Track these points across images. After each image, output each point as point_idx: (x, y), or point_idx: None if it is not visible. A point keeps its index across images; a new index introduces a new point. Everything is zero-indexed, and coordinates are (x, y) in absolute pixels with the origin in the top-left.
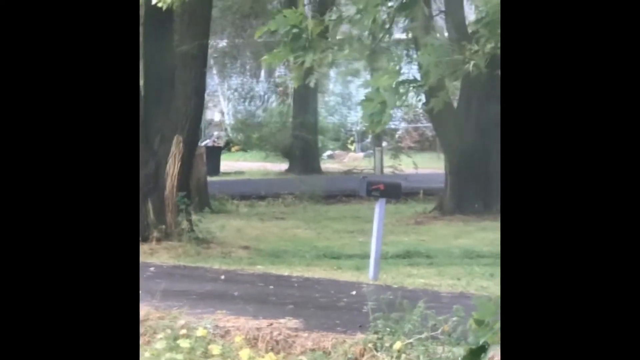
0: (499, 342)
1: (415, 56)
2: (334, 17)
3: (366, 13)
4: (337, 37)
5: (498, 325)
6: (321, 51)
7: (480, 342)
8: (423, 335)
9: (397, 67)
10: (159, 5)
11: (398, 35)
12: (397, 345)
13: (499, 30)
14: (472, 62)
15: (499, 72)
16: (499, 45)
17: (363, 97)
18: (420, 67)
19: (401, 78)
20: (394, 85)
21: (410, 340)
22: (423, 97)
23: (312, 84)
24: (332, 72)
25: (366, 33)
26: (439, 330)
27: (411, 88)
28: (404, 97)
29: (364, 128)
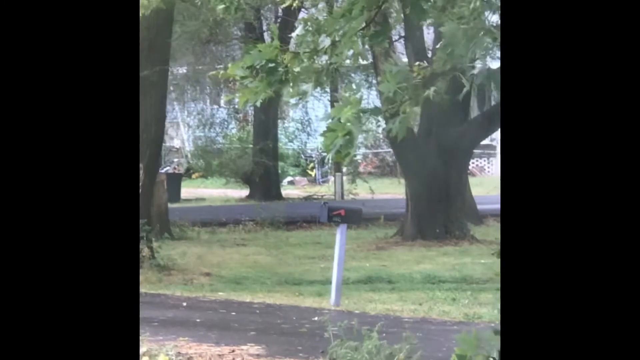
0: None
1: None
2: (308, 49)
3: (345, 44)
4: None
5: (480, 359)
6: (297, 83)
7: None
8: None
9: (359, 96)
10: None
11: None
12: None
13: (457, 53)
14: (432, 88)
15: (459, 97)
16: (457, 67)
17: (325, 129)
18: (380, 94)
19: (362, 106)
20: (356, 115)
21: None
22: (383, 123)
23: (257, 104)
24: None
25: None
26: (395, 359)
27: (372, 117)
28: (365, 125)
29: (323, 152)
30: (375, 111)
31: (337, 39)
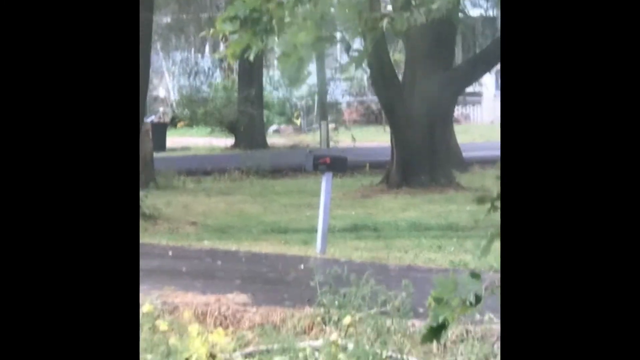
0: (457, 319)
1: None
2: None
3: None
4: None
5: (456, 302)
6: (282, 33)
7: (440, 320)
8: (372, 311)
9: (315, 25)
10: None
11: None
12: (347, 319)
13: None
14: (385, 19)
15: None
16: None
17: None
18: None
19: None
20: (311, 42)
21: (360, 315)
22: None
23: (251, 58)
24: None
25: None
26: (389, 306)
27: (327, 45)
28: (320, 52)
29: (309, 101)
30: (331, 39)
31: None
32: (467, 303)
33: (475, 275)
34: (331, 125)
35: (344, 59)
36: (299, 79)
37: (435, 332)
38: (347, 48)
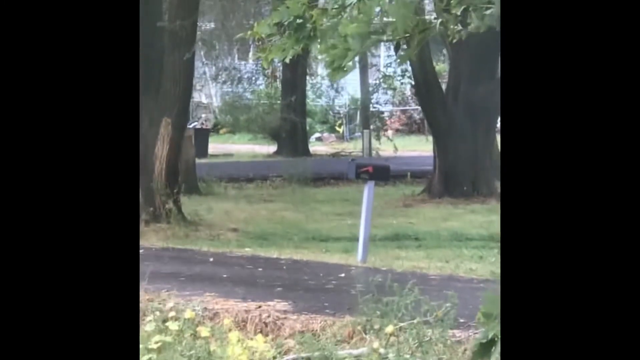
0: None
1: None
2: (336, 5)
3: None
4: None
5: None
6: (326, 40)
7: (490, 336)
8: (415, 321)
9: (367, 18)
10: None
11: None
12: (389, 328)
13: None
14: (438, 21)
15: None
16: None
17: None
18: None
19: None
20: (361, 34)
21: (402, 324)
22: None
23: (287, 60)
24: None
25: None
26: (433, 316)
27: (378, 41)
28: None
29: (352, 109)
30: (382, 34)
31: None
32: None
33: None
34: (373, 134)
35: (388, 70)
36: (341, 67)
37: (486, 348)
38: (397, 47)
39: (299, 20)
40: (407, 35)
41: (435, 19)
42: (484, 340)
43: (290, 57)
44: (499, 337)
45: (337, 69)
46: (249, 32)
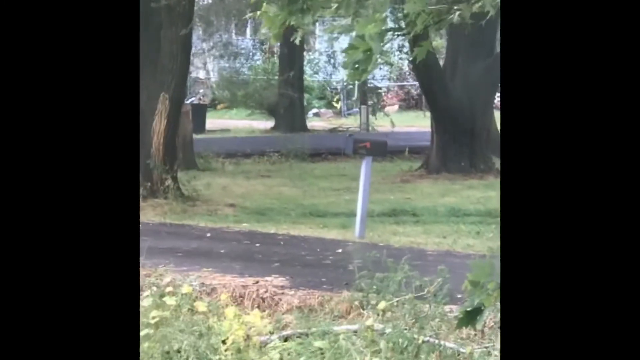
0: (494, 303)
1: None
2: None
3: None
4: None
5: (493, 286)
6: (318, 12)
7: (476, 304)
8: (408, 296)
9: (383, 16)
10: None
11: None
12: (382, 304)
13: None
14: (457, 12)
15: (483, 25)
16: None
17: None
18: (405, 16)
19: (387, 26)
20: (379, 33)
21: (396, 299)
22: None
23: (297, 41)
24: (317, 30)
25: None
26: (425, 291)
27: (396, 36)
28: (388, 45)
29: (349, 85)
30: (398, 30)
31: None
32: None
33: None
34: (370, 110)
35: (387, 46)
36: (366, 70)
37: (471, 316)
38: (414, 41)
39: None
40: (425, 27)
41: (448, 7)
42: (470, 308)
43: (299, 38)
44: (485, 305)
45: (362, 72)
46: (258, 13)
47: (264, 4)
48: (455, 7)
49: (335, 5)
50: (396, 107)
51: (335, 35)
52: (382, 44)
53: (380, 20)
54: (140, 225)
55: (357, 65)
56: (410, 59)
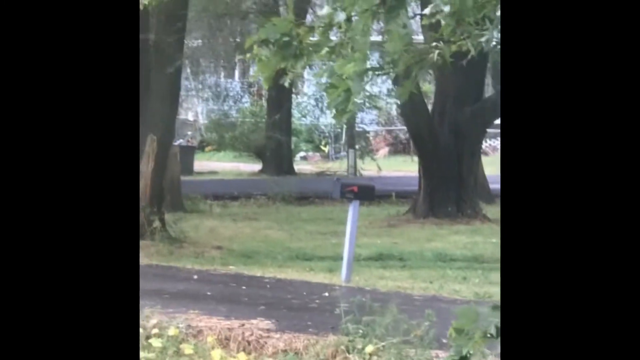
0: (480, 351)
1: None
2: (322, 23)
3: (359, 19)
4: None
5: (478, 334)
6: (312, 57)
7: (463, 352)
8: (395, 340)
9: (362, 55)
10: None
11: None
12: (369, 348)
13: (465, 20)
14: (436, 51)
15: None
16: (463, 36)
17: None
18: (385, 55)
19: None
20: (358, 73)
21: (383, 344)
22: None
23: (286, 84)
24: (305, 74)
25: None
26: (412, 335)
27: (377, 76)
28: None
29: (337, 128)
30: (378, 69)
31: (352, 14)
32: (488, 335)
33: (496, 307)
34: (358, 154)
35: (374, 89)
36: (345, 110)
37: None
38: (395, 80)
39: (285, 38)
40: (406, 67)
41: (429, 46)
42: (456, 356)
43: (289, 81)
44: (471, 353)
45: (342, 112)
46: (248, 55)
47: (255, 47)
48: (433, 45)
49: (326, 50)
50: (386, 150)
51: (323, 80)
52: (362, 83)
53: (360, 60)
54: None
55: (337, 106)
56: (399, 102)
